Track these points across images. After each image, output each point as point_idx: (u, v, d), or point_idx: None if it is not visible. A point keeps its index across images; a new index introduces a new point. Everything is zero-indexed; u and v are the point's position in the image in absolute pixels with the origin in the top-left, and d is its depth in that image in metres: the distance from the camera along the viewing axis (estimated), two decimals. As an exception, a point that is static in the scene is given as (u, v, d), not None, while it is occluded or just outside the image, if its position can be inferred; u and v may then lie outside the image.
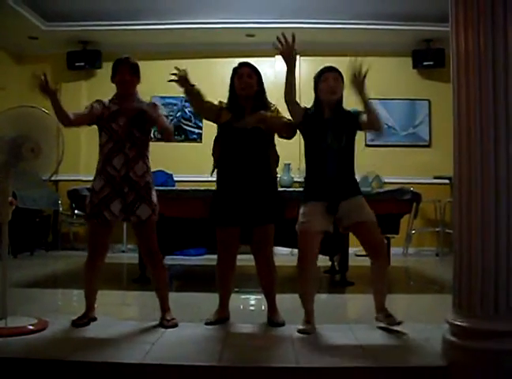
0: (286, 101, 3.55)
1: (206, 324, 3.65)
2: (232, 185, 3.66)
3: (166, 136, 3.68)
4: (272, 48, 3.48)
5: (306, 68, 7.89)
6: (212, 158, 3.76)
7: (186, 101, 3.74)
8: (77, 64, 8.49)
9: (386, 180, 7.51)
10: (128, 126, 3.56)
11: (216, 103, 3.74)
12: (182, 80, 3.58)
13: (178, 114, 8.68)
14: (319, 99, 3.60)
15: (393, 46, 8.30)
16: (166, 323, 3.59)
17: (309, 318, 3.55)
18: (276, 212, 3.70)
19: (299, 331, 3.46)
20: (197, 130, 8.64)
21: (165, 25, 7.89)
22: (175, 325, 3.59)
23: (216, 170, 3.76)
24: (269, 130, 3.65)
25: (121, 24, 7.85)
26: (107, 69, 8.40)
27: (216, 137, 3.75)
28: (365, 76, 3.38)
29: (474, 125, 2.77)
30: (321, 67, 3.64)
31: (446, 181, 7.70)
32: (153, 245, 3.66)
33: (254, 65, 3.75)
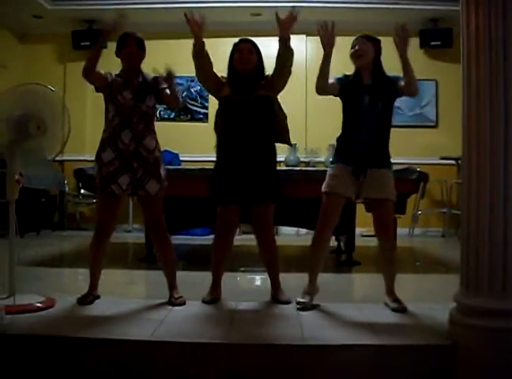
0: (318, 84, 3.53)
1: (204, 302, 3.66)
2: (232, 161, 3.64)
3: (172, 101, 3.64)
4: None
5: (313, 48, 7.86)
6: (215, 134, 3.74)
7: (194, 63, 3.62)
8: (82, 43, 8.44)
9: (393, 160, 7.44)
10: (134, 100, 3.55)
11: (219, 76, 3.72)
12: (199, 25, 3.55)
13: (184, 94, 8.65)
14: (356, 66, 3.61)
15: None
16: (174, 301, 3.61)
17: (310, 289, 3.58)
18: (276, 190, 3.69)
19: (298, 302, 3.50)
20: (202, 110, 8.62)
21: (171, 4, 7.83)
22: (183, 303, 3.60)
23: (216, 147, 3.74)
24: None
25: (127, 3, 7.79)
26: (112, 48, 8.38)
27: (217, 111, 3.73)
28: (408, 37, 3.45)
29: (483, 105, 2.73)
30: None
31: (453, 161, 7.69)
32: (160, 220, 3.66)
33: (255, 42, 3.71)
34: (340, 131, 3.65)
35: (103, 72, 3.63)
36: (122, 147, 3.55)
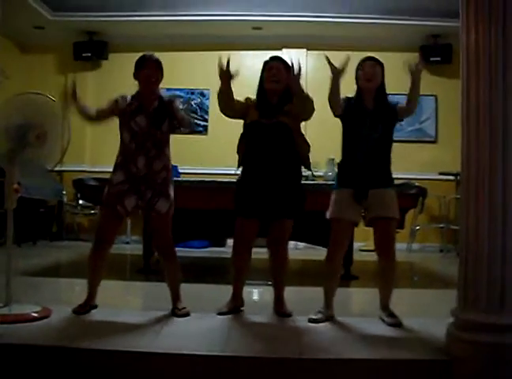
0: (329, 99, 3.54)
1: (219, 314, 3.62)
2: (256, 178, 3.64)
3: (183, 126, 3.68)
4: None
5: (313, 62, 7.89)
6: (236, 153, 3.75)
7: (219, 94, 3.62)
8: (83, 55, 8.47)
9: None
10: (149, 127, 3.55)
11: (243, 100, 3.71)
12: (229, 74, 3.54)
13: (184, 106, 8.66)
14: (359, 87, 3.61)
15: (400, 41, 8.25)
16: (178, 312, 3.60)
17: (325, 309, 3.60)
18: (298, 207, 3.69)
19: (310, 320, 3.49)
20: (202, 123, 8.63)
21: (172, 17, 7.88)
22: (187, 314, 3.60)
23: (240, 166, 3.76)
24: (296, 113, 3.61)
25: (128, 15, 7.84)
26: (113, 60, 8.51)
27: (241, 135, 3.73)
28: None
29: (483, 120, 2.74)
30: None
31: (452, 177, 7.69)
32: (168, 238, 3.68)
33: (287, 60, 3.68)
34: (341, 155, 3.68)
35: (109, 104, 3.65)
36: (134, 171, 3.56)
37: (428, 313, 3.98)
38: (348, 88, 3.69)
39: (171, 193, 3.68)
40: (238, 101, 3.69)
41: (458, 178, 7.03)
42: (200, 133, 8.61)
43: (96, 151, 8.20)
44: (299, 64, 3.51)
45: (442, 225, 8.08)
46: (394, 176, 3.66)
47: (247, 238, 3.70)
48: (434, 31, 8.14)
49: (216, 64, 3.52)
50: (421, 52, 3.56)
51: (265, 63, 3.73)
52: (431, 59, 8.33)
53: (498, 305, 2.68)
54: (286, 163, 3.65)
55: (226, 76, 3.54)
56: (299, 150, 3.68)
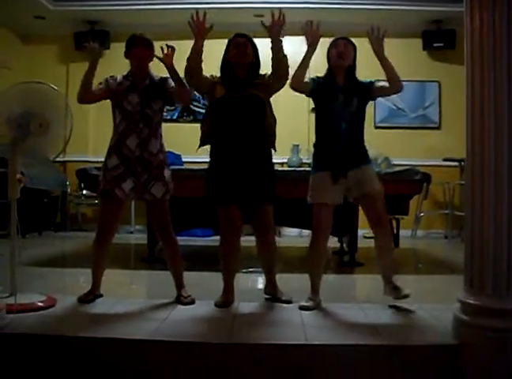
0: (296, 75, 3.52)
1: (216, 306, 3.57)
2: (228, 160, 3.57)
3: (181, 94, 3.58)
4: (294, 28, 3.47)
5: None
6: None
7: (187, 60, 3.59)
8: (84, 44, 8.42)
9: (395, 162, 7.41)
10: (141, 105, 3.54)
11: (208, 76, 3.65)
12: (202, 28, 3.50)
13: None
14: (331, 66, 3.61)
15: (402, 27, 8.16)
16: (183, 299, 3.61)
17: (313, 295, 3.58)
18: (272, 190, 3.63)
19: (301, 307, 3.49)
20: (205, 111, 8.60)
21: (173, 5, 7.84)
22: (193, 302, 3.60)
23: (210, 146, 3.68)
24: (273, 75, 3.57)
25: (129, 4, 7.80)
26: (115, 49, 8.46)
27: (206, 113, 3.70)
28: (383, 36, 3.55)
29: (488, 106, 2.72)
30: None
31: (456, 163, 7.67)
32: (167, 223, 3.67)
33: (251, 37, 3.66)
34: (315, 136, 3.65)
35: (101, 86, 3.62)
36: (127, 153, 3.55)
37: (434, 299, 3.98)
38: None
39: (168, 177, 3.66)
40: (204, 75, 3.61)
41: (463, 163, 7.01)
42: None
43: (99, 141, 8.12)
44: (283, 14, 3.51)
45: (446, 211, 8.07)
46: (398, 162, 3.66)
47: (233, 225, 3.57)
48: (437, 17, 8.07)
49: (191, 21, 3.49)
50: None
51: (230, 40, 3.67)
52: (434, 45, 8.29)
53: (505, 290, 2.68)
54: (259, 139, 3.58)
55: (202, 31, 3.50)
56: (267, 125, 3.59)
